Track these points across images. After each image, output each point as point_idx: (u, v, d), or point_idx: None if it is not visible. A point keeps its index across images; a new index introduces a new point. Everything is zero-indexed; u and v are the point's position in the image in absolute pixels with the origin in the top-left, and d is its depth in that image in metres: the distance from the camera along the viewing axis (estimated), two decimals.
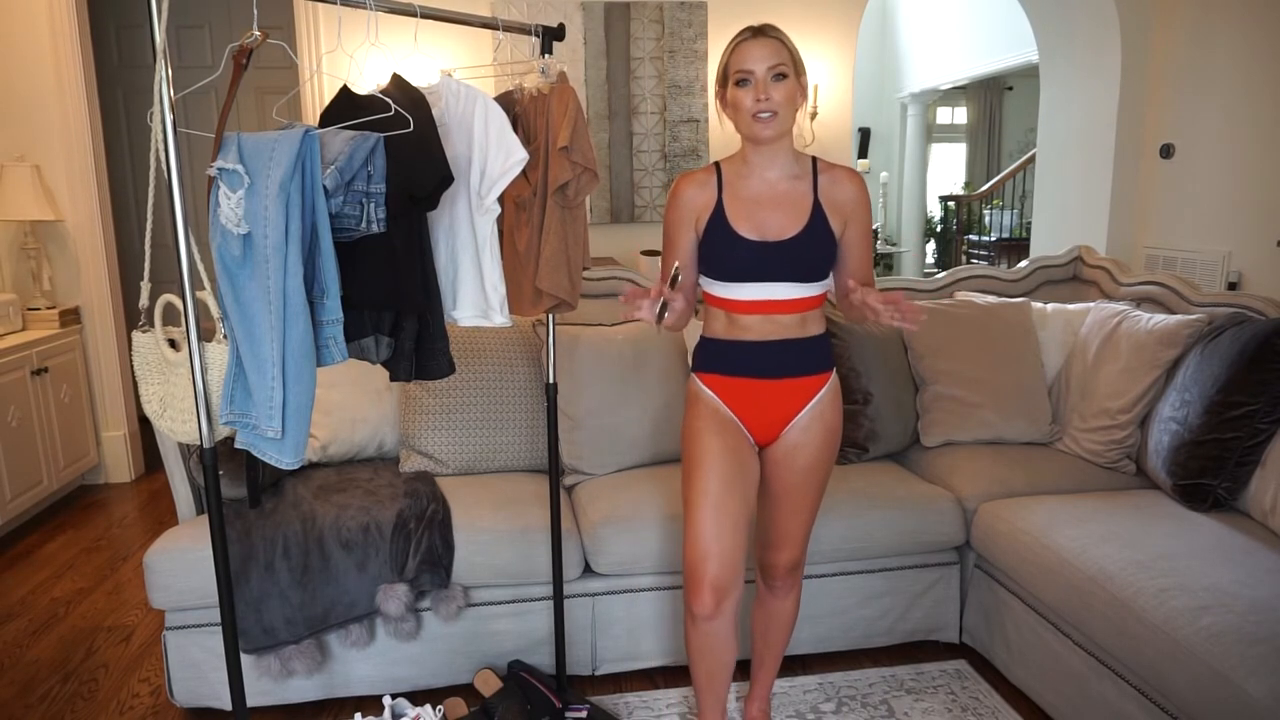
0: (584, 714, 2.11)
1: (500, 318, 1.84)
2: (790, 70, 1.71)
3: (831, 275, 1.83)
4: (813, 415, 1.84)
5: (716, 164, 1.83)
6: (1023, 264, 3.20)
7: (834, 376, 1.89)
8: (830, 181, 1.79)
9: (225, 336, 1.53)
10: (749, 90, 1.70)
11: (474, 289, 1.83)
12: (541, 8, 4.21)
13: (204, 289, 1.55)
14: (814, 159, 1.81)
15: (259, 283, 1.47)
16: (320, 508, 2.21)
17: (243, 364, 1.52)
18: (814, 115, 4.41)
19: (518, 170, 1.75)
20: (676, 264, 1.72)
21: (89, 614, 2.79)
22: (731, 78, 1.74)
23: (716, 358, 1.84)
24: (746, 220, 1.75)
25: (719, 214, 1.77)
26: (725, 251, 1.75)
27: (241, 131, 1.48)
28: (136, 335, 1.65)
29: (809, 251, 1.75)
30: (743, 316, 1.79)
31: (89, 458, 3.91)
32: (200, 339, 1.53)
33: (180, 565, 2.11)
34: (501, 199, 1.91)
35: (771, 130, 1.71)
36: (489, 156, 1.75)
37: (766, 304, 1.77)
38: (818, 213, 1.76)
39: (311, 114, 4.06)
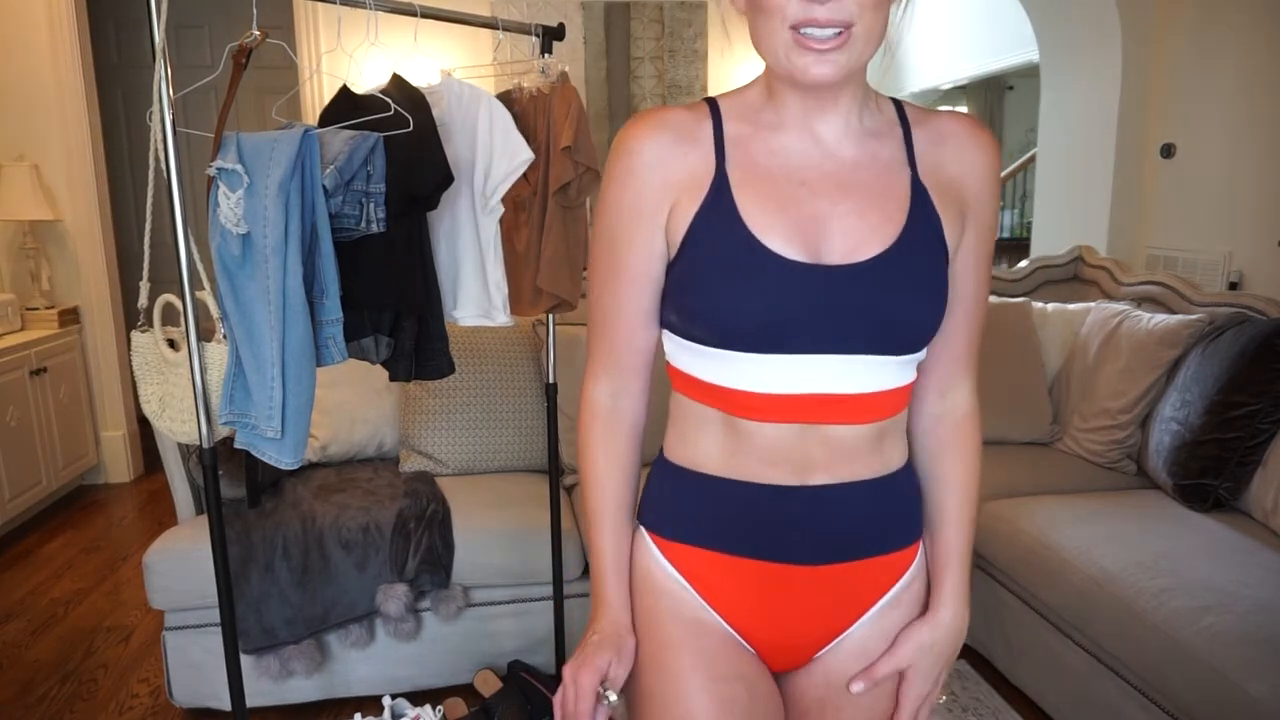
0: None
1: (503, 317, 1.84)
2: None
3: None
4: (889, 623, 0.97)
5: (711, 101, 0.94)
6: (1023, 264, 3.20)
7: (923, 550, 1.02)
8: (935, 141, 0.93)
9: (225, 336, 1.53)
10: None
11: (477, 289, 1.83)
12: (541, 8, 4.21)
13: (203, 289, 1.55)
14: (896, 102, 0.95)
15: (259, 283, 1.47)
16: (320, 508, 2.21)
17: (242, 364, 1.52)
18: None
19: (523, 170, 1.76)
20: (609, 692, 0.91)
21: (88, 614, 2.78)
22: None
23: (694, 512, 0.95)
24: (782, 218, 0.87)
25: (719, 201, 0.88)
26: (739, 284, 0.86)
27: (241, 131, 1.48)
28: (136, 335, 1.65)
29: (910, 290, 0.88)
30: (762, 428, 0.90)
31: (88, 458, 3.91)
32: (200, 339, 1.53)
33: (180, 565, 2.11)
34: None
35: (835, 69, 0.83)
36: (494, 157, 1.75)
37: (816, 403, 0.89)
38: (922, 206, 0.90)
39: (311, 114, 4.06)
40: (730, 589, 0.94)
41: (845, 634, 0.97)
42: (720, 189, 0.88)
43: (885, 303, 0.87)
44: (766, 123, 0.91)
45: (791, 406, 0.89)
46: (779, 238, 0.86)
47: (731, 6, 0.90)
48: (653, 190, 0.90)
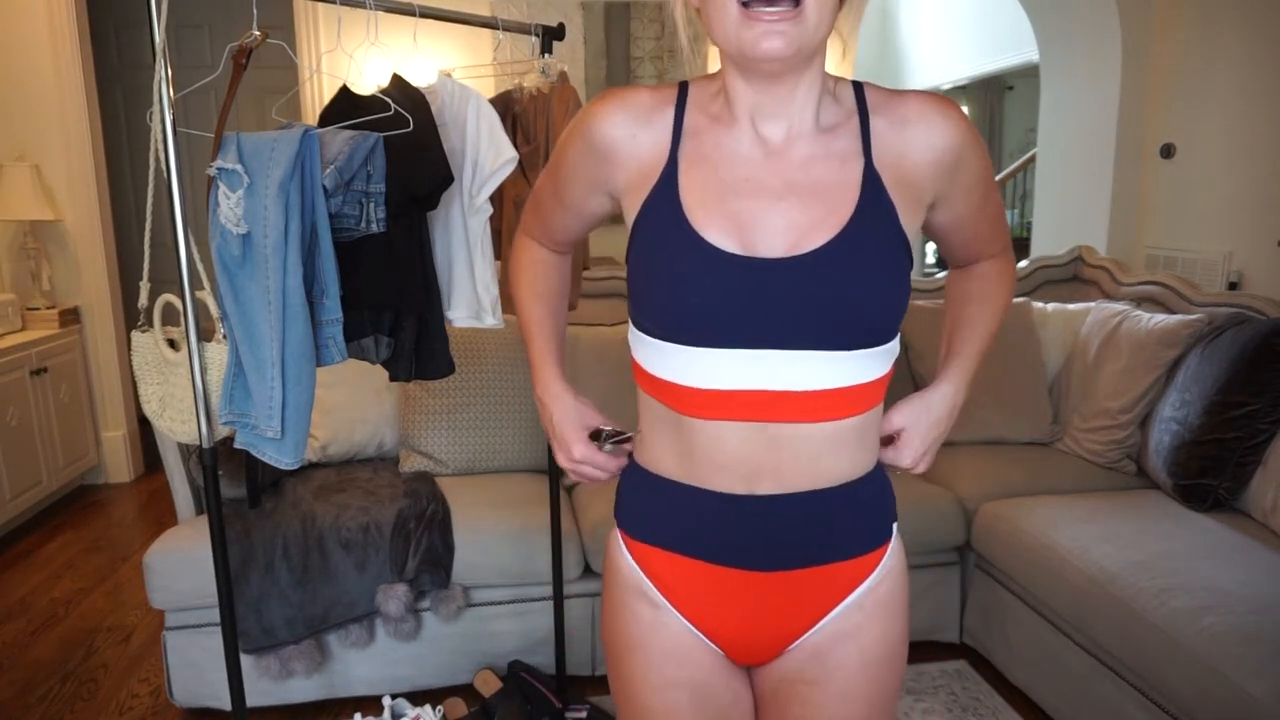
0: (584, 714, 2.11)
1: (491, 319, 1.83)
2: None
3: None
4: (849, 625, 0.96)
5: (683, 85, 0.94)
6: (1023, 264, 3.20)
7: (896, 544, 1.00)
8: (895, 126, 0.90)
9: (224, 336, 1.53)
10: None
11: (468, 290, 1.83)
12: (541, 8, 4.21)
13: (203, 289, 1.55)
14: (857, 85, 0.92)
15: (258, 283, 1.47)
16: (320, 508, 2.21)
17: (242, 364, 1.52)
18: None
19: (509, 169, 1.75)
20: (608, 430, 1.03)
21: (89, 614, 2.78)
22: None
23: (654, 514, 0.97)
24: (719, 212, 0.87)
25: (665, 191, 0.89)
26: (674, 274, 0.87)
27: (241, 131, 1.48)
28: (136, 335, 1.65)
29: (857, 281, 0.85)
30: (710, 426, 0.89)
31: (89, 458, 3.91)
32: (200, 339, 1.53)
33: (180, 565, 2.11)
34: (501, 200, 1.91)
35: (785, 41, 0.81)
36: (480, 154, 1.75)
37: (762, 400, 0.87)
38: (874, 194, 0.87)
39: (311, 114, 4.06)
40: (688, 589, 0.96)
41: (807, 635, 0.97)
42: (668, 179, 0.89)
43: (829, 294, 0.84)
44: (721, 118, 0.91)
45: (736, 403, 0.87)
46: (717, 230, 0.86)
47: (688, 9, 0.91)
48: (594, 162, 0.96)
